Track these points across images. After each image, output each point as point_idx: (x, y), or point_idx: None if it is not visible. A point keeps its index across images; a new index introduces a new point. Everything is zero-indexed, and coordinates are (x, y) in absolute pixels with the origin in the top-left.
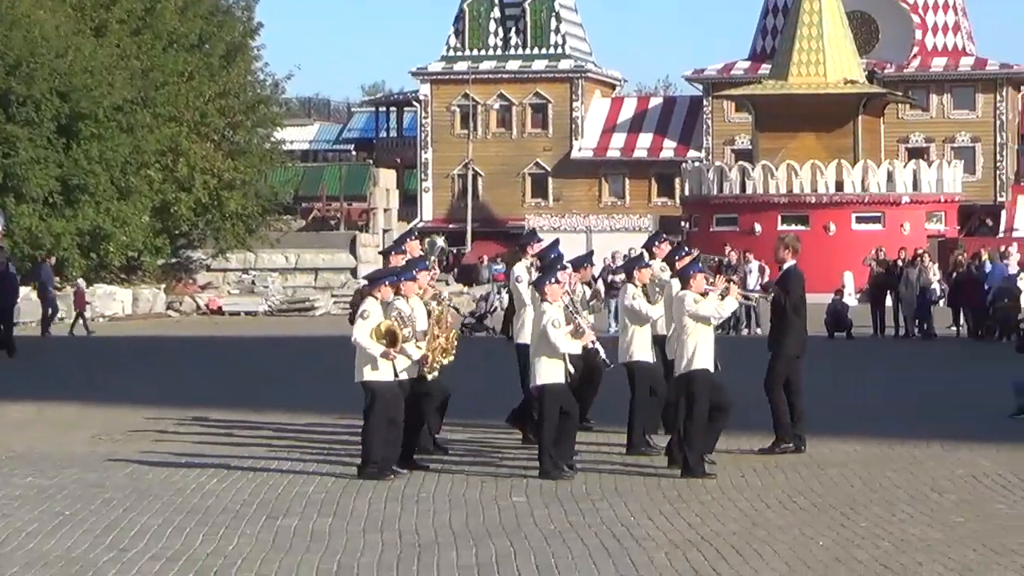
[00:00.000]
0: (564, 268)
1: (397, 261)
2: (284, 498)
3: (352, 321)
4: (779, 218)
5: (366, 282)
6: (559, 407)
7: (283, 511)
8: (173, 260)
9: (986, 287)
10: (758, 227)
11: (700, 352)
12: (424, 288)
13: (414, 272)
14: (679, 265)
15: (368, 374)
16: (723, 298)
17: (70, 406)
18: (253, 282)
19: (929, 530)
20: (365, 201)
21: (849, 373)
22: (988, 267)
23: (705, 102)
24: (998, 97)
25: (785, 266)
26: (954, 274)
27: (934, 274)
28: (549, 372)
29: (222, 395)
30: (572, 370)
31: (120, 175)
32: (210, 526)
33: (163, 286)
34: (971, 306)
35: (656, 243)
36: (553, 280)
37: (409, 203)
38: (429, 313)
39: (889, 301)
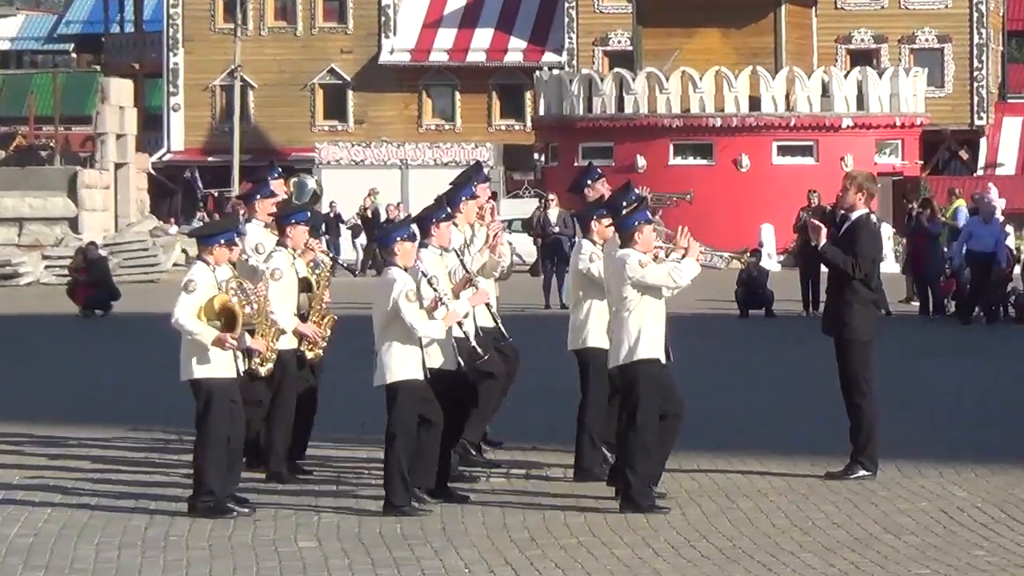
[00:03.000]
0: (447, 218)
1: (264, 208)
2: None
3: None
4: (671, 148)
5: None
6: (417, 413)
7: None
8: None
9: (945, 249)
10: (642, 160)
11: (647, 336)
12: (305, 248)
13: (291, 221)
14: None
15: (198, 369)
16: (681, 259)
17: None
18: None
19: None
20: (90, 124)
21: (768, 366)
22: (961, 217)
23: None
24: None
25: (855, 215)
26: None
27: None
28: (402, 365)
29: None
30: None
31: None
32: None
33: None
34: (922, 273)
35: (589, 182)
36: (405, 236)
37: (152, 126)
38: (310, 285)
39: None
